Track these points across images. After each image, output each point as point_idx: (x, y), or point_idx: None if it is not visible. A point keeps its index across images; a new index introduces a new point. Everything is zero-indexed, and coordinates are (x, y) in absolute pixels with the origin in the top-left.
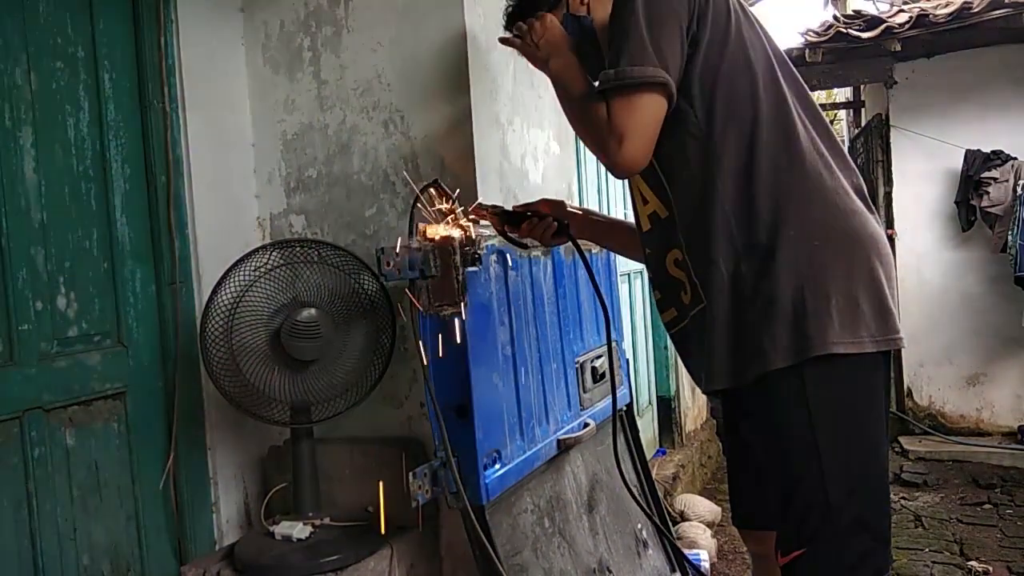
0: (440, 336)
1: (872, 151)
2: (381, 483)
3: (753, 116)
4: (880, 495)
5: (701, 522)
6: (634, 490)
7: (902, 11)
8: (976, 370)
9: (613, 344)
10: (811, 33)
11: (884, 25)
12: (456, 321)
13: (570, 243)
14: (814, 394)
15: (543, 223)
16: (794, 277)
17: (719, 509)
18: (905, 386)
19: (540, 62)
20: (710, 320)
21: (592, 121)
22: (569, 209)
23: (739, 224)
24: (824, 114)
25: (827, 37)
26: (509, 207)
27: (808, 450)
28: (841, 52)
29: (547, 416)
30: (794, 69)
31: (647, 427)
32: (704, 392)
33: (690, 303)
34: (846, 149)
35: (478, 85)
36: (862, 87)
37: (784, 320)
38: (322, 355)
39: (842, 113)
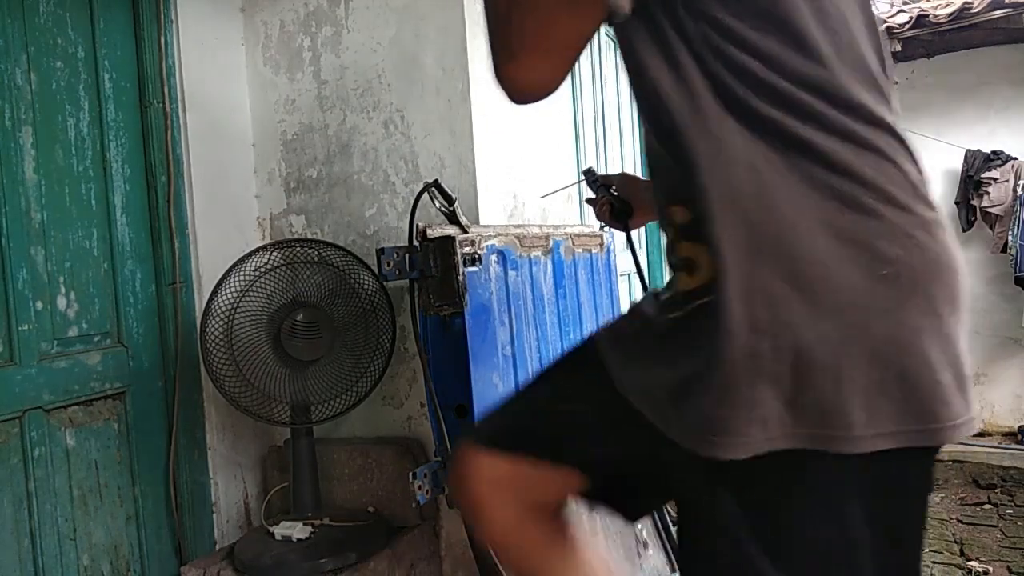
0: (440, 336)
1: None
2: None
3: None
4: None
5: None
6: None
7: (902, 11)
8: (976, 370)
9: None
10: None
11: (884, 25)
12: (456, 321)
13: (570, 242)
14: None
15: (601, 200)
16: None
17: None
18: None
19: None
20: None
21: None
22: (641, 194)
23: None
24: None
25: None
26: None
27: None
28: None
29: None
30: None
31: None
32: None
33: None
34: None
35: (478, 85)
36: None
37: None
38: (322, 355)
39: None
